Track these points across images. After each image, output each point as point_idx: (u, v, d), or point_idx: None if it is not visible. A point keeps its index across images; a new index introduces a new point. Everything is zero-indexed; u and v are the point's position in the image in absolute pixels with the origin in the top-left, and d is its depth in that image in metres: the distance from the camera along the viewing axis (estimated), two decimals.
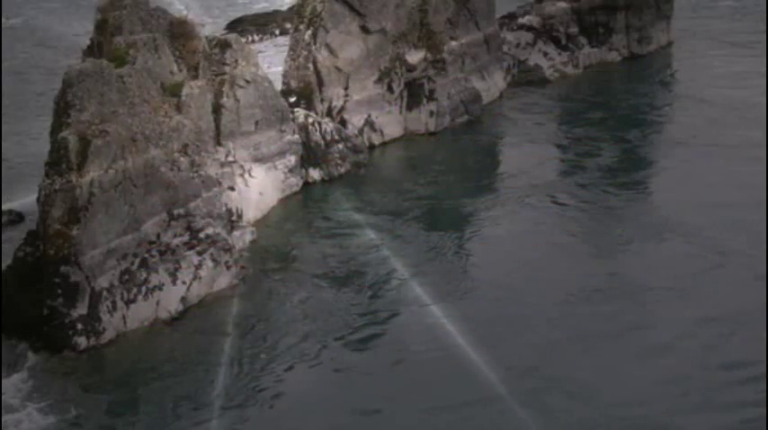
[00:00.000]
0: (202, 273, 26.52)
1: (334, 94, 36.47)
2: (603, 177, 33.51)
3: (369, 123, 37.31)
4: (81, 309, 24.09)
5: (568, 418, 20.83)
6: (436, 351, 23.51)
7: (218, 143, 30.03)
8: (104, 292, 24.51)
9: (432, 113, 38.52)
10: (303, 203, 32.71)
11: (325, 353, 23.70)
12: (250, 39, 52.25)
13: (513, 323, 24.55)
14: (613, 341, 23.53)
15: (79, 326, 24.00)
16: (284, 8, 59.17)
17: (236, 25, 55.59)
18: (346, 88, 36.68)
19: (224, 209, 28.87)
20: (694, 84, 43.37)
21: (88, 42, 28.99)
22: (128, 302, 24.93)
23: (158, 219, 26.14)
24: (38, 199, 25.08)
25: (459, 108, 39.44)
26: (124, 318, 24.84)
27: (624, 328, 24.02)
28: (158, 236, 26.06)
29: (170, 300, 25.75)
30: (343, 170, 34.44)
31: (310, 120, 34.48)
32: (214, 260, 26.86)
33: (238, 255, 27.89)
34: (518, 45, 45.63)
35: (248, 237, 29.38)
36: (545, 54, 45.78)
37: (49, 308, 24.02)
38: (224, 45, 31.12)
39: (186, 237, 26.65)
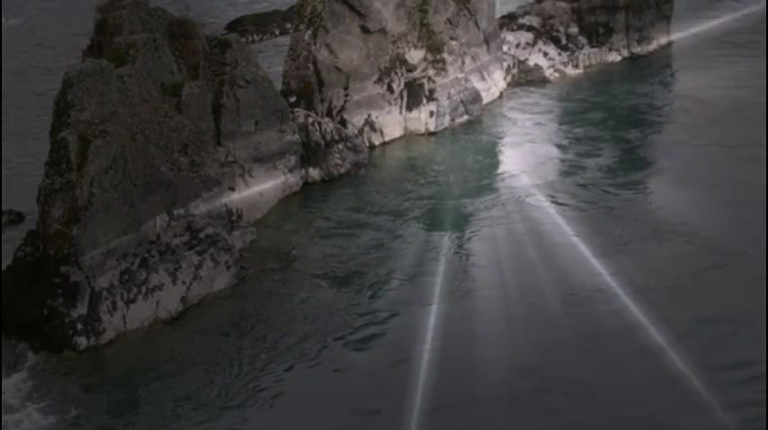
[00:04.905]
0: (202, 273, 26.52)
1: (335, 94, 36.47)
2: (603, 177, 33.53)
3: (369, 123, 37.31)
4: (81, 309, 24.09)
5: (568, 418, 20.83)
6: (436, 351, 23.50)
7: (218, 143, 30.03)
8: (104, 292, 24.52)
9: (432, 113, 38.53)
10: (303, 203, 32.72)
11: (325, 353, 23.71)
12: (250, 39, 52.24)
13: (513, 323, 24.55)
14: (613, 341, 23.53)
15: (79, 326, 24.00)
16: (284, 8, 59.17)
17: (236, 25, 55.56)
18: (346, 88, 36.68)
19: (224, 209, 28.88)
20: (694, 84, 43.39)
21: (88, 42, 29.01)
22: (128, 302, 24.94)
23: (158, 219, 26.14)
24: (38, 199, 25.09)
25: (459, 108, 39.45)
26: (124, 317, 24.85)
27: (624, 328, 24.03)
28: (158, 236, 26.07)
29: (170, 300, 25.75)
30: (343, 170, 34.44)
31: (310, 120, 34.48)
32: (214, 260, 26.86)
33: (238, 254, 27.89)
34: (518, 45, 45.65)
35: (248, 237, 29.38)
36: (545, 54, 45.79)
37: (49, 308, 24.03)
38: (224, 45, 31.13)
39: (186, 237, 26.66)
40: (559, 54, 46.04)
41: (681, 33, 49.64)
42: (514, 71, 44.75)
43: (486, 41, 41.83)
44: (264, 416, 21.65)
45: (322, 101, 36.21)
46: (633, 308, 24.96)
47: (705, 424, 20.46)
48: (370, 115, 37.30)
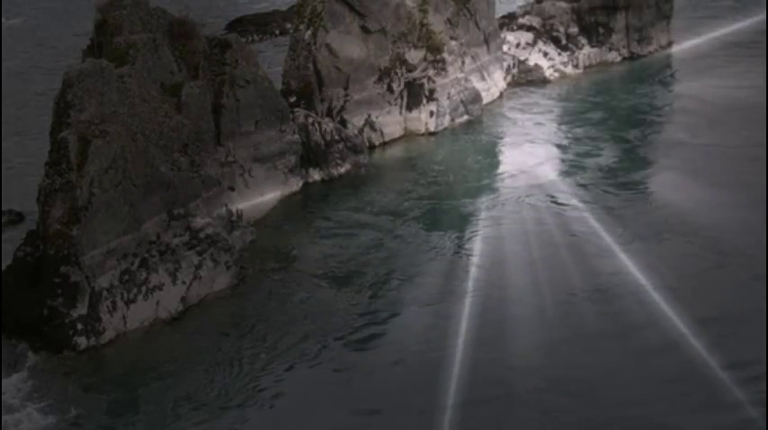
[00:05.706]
0: (202, 273, 26.52)
1: (334, 94, 36.47)
2: (603, 177, 33.52)
3: (369, 123, 37.31)
4: (81, 309, 24.09)
5: (568, 418, 20.83)
6: (436, 351, 23.50)
7: (218, 143, 30.03)
8: (104, 292, 24.52)
9: (432, 113, 38.52)
10: (303, 203, 32.72)
11: (325, 353, 23.71)
12: (250, 39, 52.25)
13: (513, 323, 24.55)
14: (613, 341, 23.53)
15: (79, 326, 24.01)
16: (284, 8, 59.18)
17: (236, 25, 55.56)
18: (346, 88, 36.68)
19: (224, 209, 28.88)
20: (694, 84, 43.38)
21: (88, 42, 29.01)
22: (128, 302, 24.94)
23: (158, 219, 26.15)
24: (38, 199, 25.08)
25: (459, 108, 39.45)
26: (124, 317, 24.85)
27: (624, 328, 24.03)
28: (158, 236, 26.07)
29: (170, 300, 25.75)
30: (343, 170, 34.44)
31: (310, 120, 34.48)
32: (214, 260, 26.87)
33: (238, 254, 27.88)
34: (518, 45, 45.63)
35: (248, 237, 29.38)
36: (545, 54, 45.77)
37: (49, 308, 24.03)
38: (224, 45, 31.12)
39: (186, 237, 26.65)
40: (559, 54, 46.01)
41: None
42: (514, 71, 44.74)
43: (486, 41, 41.82)
44: (264, 416, 21.65)
45: (322, 101, 36.21)
46: (633, 308, 24.97)
47: (705, 424, 20.45)
48: (370, 115, 37.30)
